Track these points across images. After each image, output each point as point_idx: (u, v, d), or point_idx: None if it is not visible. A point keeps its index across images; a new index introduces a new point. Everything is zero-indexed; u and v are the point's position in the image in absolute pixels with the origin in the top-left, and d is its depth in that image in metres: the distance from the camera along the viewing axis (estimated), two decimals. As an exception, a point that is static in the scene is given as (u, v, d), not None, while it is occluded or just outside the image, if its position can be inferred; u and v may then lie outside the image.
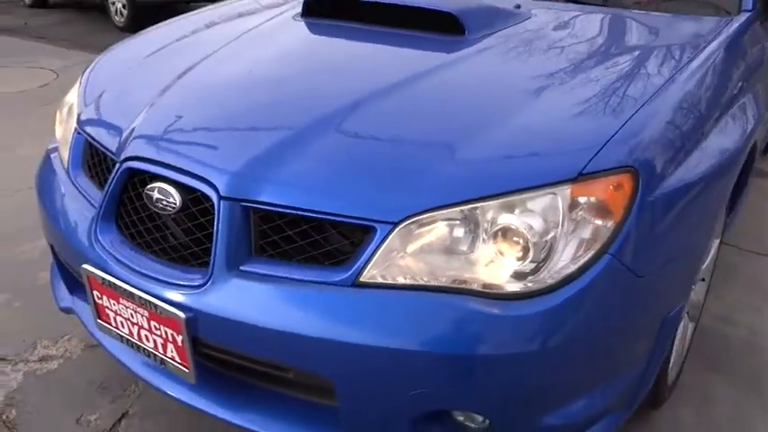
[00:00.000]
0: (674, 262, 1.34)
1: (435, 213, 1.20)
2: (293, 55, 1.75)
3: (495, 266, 1.19)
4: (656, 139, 1.32)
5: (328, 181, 1.25)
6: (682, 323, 1.74)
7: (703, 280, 1.97)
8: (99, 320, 1.50)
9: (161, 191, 1.35)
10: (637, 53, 1.66)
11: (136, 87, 1.72)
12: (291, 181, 1.27)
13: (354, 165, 1.27)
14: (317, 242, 1.26)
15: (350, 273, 1.20)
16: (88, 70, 1.97)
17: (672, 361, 1.70)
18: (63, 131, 1.82)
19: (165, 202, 1.34)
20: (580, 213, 1.20)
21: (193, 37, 2.03)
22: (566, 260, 1.19)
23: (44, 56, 6.08)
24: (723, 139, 1.57)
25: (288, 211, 1.25)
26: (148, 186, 1.37)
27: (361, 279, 1.20)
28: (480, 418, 1.29)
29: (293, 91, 1.54)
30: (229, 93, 1.56)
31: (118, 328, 1.46)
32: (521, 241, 1.19)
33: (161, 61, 1.86)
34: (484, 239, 1.20)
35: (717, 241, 1.94)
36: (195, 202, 1.34)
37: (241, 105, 1.50)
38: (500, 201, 1.19)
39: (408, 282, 1.19)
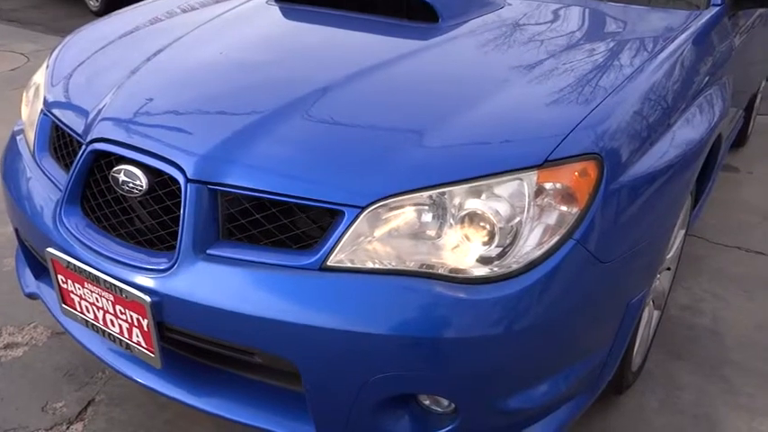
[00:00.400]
0: (637, 249, 1.36)
1: (403, 198, 1.20)
2: (265, 39, 1.74)
3: (462, 251, 1.20)
4: (622, 128, 1.34)
5: (296, 164, 1.25)
6: (647, 310, 1.77)
7: (669, 269, 2.00)
8: (64, 305, 1.48)
9: (127, 173, 1.33)
10: (608, 44, 1.68)
11: (104, 69, 1.70)
12: (259, 164, 1.26)
13: (323, 149, 1.27)
14: (285, 226, 1.25)
15: (317, 257, 1.20)
16: (56, 51, 1.93)
17: (636, 347, 1.72)
18: (29, 113, 1.79)
19: (131, 185, 1.33)
20: (546, 199, 1.22)
21: (165, 20, 2.00)
22: (531, 245, 1.20)
23: (16, 39, 5.95)
24: (689, 130, 1.59)
25: (255, 194, 1.24)
26: (115, 169, 1.35)
27: (329, 263, 1.20)
28: (446, 402, 1.30)
29: (263, 75, 1.53)
30: (199, 76, 1.54)
31: (83, 313, 1.45)
32: (487, 226, 1.20)
33: (131, 43, 1.84)
34: (451, 224, 1.21)
35: (682, 232, 1.97)
36: (162, 184, 1.33)
37: (210, 89, 1.48)
38: (467, 186, 1.20)
39: (376, 266, 1.19)
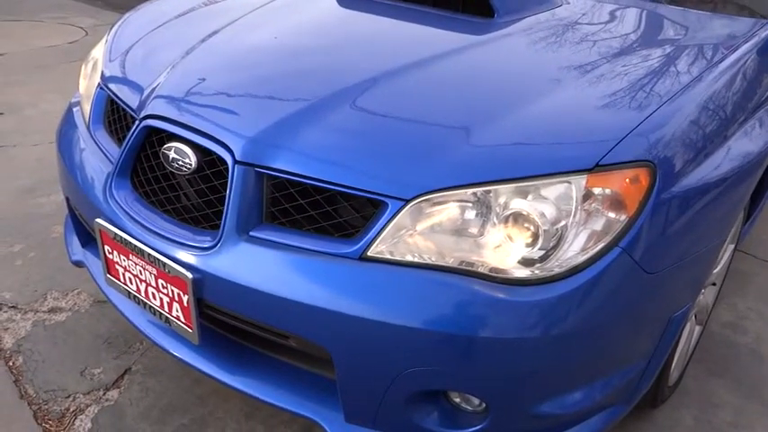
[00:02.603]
0: (684, 262, 1.32)
1: (448, 193, 1.19)
2: (318, 26, 1.74)
3: (504, 251, 1.19)
4: (677, 137, 1.30)
5: (343, 153, 1.25)
6: (688, 324, 1.72)
7: (714, 284, 1.95)
8: (108, 275, 1.52)
9: (177, 151, 1.36)
10: (666, 49, 1.63)
11: (161, 47, 1.73)
12: (306, 150, 1.27)
13: (370, 139, 1.27)
14: (328, 213, 1.26)
15: (358, 246, 1.21)
16: (116, 27, 1.97)
17: (675, 361, 1.69)
18: (87, 86, 1.84)
19: (180, 163, 1.35)
20: (593, 204, 1.19)
21: (221, 1, 2.02)
22: (575, 250, 1.18)
23: (76, 13, 6.11)
24: (746, 143, 1.54)
25: (300, 179, 1.25)
26: (165, 146, 1.38)
27: (369, 253, 1.20)
28: (477, 401, 1.30)
29: (315, 62, 1.54)
30: (252, 59, 1.56)
31: (126, 284, 1.48)
32: (531, 227, 1.18)
33: (187, 23, 1.87)
34: (494, 223, 1.19)
35: (732, 247, 1.92)
36: (210, 164, 1.35)
37: (262, 72, 1.50)
38: (514, 185, 1.18)
39: (416, 260, 1.19)
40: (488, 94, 1.39)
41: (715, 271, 1.77)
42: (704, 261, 1.42)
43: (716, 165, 1.40)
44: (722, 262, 1.86)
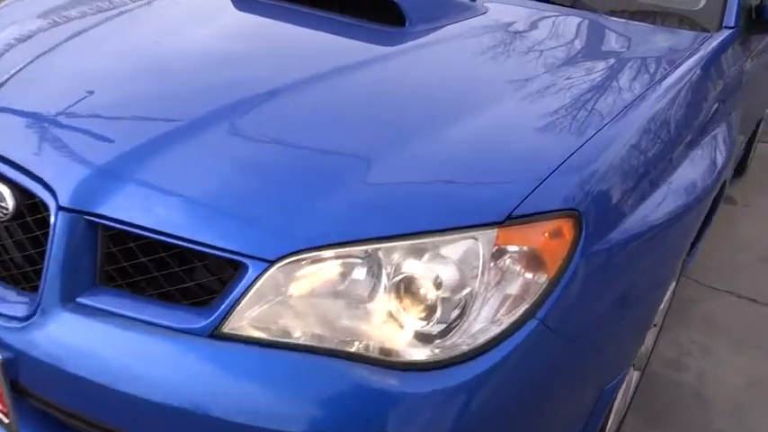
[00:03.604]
0: (620, 326, 1.11)
1: (325, 252, 0.94)
2: (198, 34, 1.46)
3: (394, 326, 0.94)
4: (610, 176, 1.08)
5: (196, 198, 0.99)
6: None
7: (655, 326, 1.76)
8: None
9: (-9, 190, 1.06)
10: (601, 65, 1.43)
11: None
12: (150, 194, 1.00)
13: (232, 179, 1.00)
14: (177, 275, 0.99)
15: (210, 320, 0.94)
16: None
17: (611, 420, 1.48)
18: None
19: (-6, 206, 1.06)
20: (506, 263, 0.96)
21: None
22: (484, 321, 0.95)
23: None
24: (693, 172, 1.34)
25: (141, 231, 0.98)
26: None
27: (225, 329, 0.94)
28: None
29: (183, 80, 1.26)
30: (102, 76, 1.27)
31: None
32: (428, 295, 0.94)
33: (47, 23, 1.56)
34: (385, 288, 0.95)
35: (673, 284, 1.73)
36: (32, 208, 1.06)
37: (114, 93, 1.21)
38: (407, 242, 0.94)
39: (284, 339, 0.93)
40: (388, 120, 1.15)
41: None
42: (643, 318, 1.22)
43: (658, 202, 1.19)
44: (663, 302, 1.67)
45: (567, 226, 0.98)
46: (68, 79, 1.26)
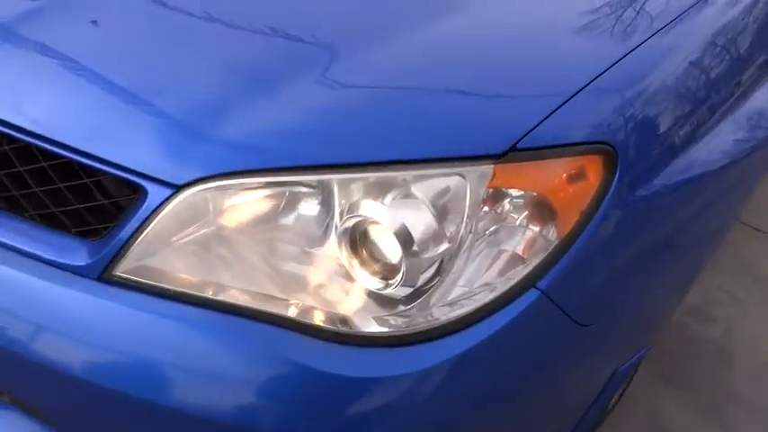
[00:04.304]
0: (648, 300, 0.85)
1: (258, 178, 0.69)
2: None
3: (345, 285, 0.70)
4: (656, 100, 0.79)
5: (80, 94, 0.72)
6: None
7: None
8: None
9: None
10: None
11: None
12: (24, 88, 0.73)
13: (132, 72, 0.73)
14: (62, 194, 0.75)
15: (99, 256, 0.70)
16: None
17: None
18: None
19: None
20: (503, 211, 0.70)
21: None
22: (465, 287, 0.70)
23: None
24: (764, 101, 1.04)
25: (15, 133, 0.73)
26: None
27: (116, 272, 0.70)
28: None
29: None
30: None
31: None
32: (389, 249, 0.69)
33: None
34: (335, 234, 0.70)
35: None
36: None
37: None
38: (367, 175, 0.68)
39: (193, 292, 0.69)
40: (356, 8, 0.85)
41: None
42: (677, 294, 0.96)
43: (720, 137, 0.90)
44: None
45: (593, 166, 0.71)
46: None
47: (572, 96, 0.73)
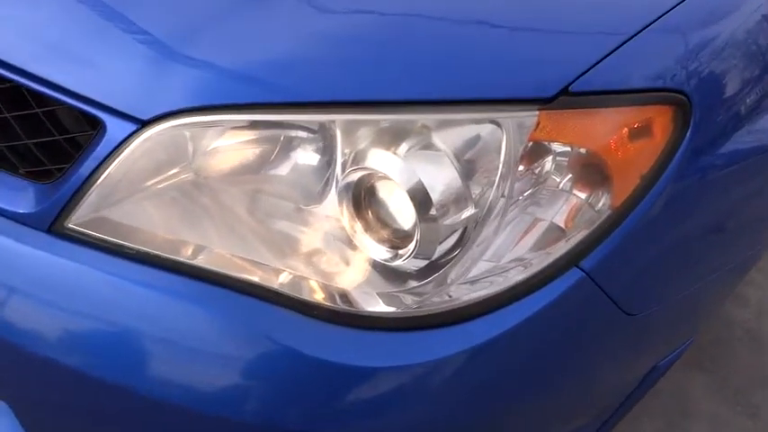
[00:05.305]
0: (705, 284, 0.72)
1: (245, 115, 0.55)
2: None
3: (342, 256, 0.57)
4: (736, 46, 0.65)
5: (45, 10, 0.59)
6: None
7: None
8: None
9: None
10: None
11: None
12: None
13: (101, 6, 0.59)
14: (11, 127, 0.62)
15: (49, 203, 0.58)
16: None
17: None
18: None
19: None
20: (545, 171, 0.57)
21: None
22: (492, 261, 0.57)
23: None
24: None
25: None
26: None
27: (69, 224, 0.57)
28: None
29: None
30: None
31: None
32: (400, 211, 0.56)
33: None
34: (334, 192, 0.57)
35: None
36: None
37: None
38: (377, 116, 0.54)
39: (161, 253, 0.57)
40: None
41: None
42: (737, 277, 0.82)
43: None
44: None
45: (662, 119, 0.57)
46: None
47: (637, 33, 0.58)
